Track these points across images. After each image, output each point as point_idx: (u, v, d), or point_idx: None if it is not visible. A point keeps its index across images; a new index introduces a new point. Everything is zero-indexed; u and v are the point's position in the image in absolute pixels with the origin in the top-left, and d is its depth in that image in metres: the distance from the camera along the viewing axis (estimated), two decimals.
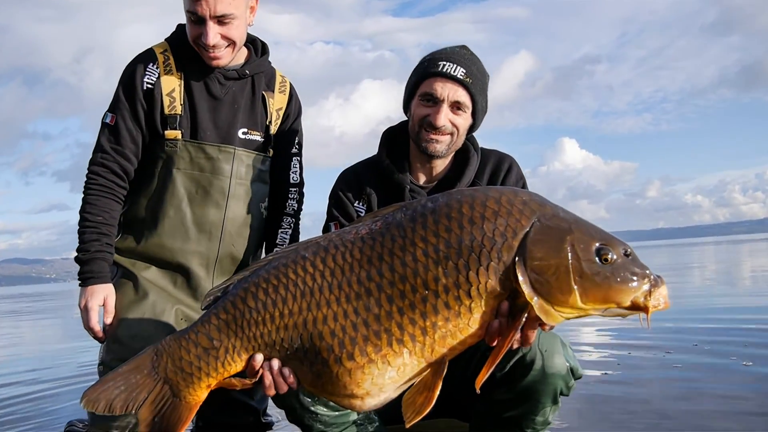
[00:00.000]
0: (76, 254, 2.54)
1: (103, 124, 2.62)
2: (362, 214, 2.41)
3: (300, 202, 2.91)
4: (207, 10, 2.44)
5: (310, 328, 1.62)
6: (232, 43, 2.56)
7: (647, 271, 1.56)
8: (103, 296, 2.50)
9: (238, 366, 1.70)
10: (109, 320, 2.51)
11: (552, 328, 1.70)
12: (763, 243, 45.66)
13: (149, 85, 2.59)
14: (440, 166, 2.43)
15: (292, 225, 2.89)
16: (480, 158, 2.45)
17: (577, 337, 5.64)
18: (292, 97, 2.88)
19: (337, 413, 2.14)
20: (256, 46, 2.81)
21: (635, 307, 1.53)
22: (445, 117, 2.28)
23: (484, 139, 2.51)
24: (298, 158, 2.89)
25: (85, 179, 2.60)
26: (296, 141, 2.88)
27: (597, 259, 1.54)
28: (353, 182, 2.46)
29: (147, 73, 2.60)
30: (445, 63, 2.27)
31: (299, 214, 2.92)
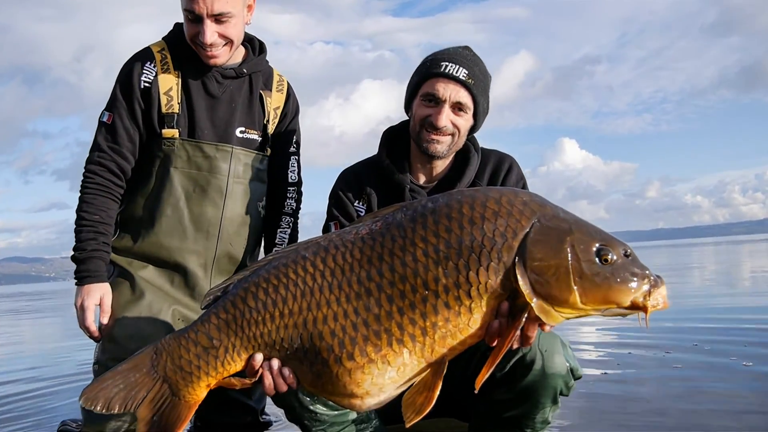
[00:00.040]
0: (72, 253, 2.53)
1: (100, 123, 2.62)
2: (362, 214, 2.41)
3: (298, 201, 2.91)
4: (204, 8, 2.43)
5: (310, 328, 1.62)
6: (229, 41, 2.55)
7: (647, 272, 1.56)
8: (100, 295, 2.49)
9: (238, 365, 1.70)
10: (105, 320, 2.50)
11: (552, 328, 1.70)
12: (763, 244, 45.67)
13: (146, 84, 2.58)
14: (440, 166, 2.43)
15: (290, 224, 2.88)
16: (480, 158, 2.45)
17: (577, 336, 5.64)
18: (290, 96, 2.88)
19: (336, 412, 2.14)
20: (253, 45, 2.80)
21: (634, 307, 1.54)
22: (446, 118, 2.28)
23: (483, 139, 2.49)
24: (296, 157, 2.89)
25: (82, 178, 2.59)
26: (294, 140, 2.88)
27: (597, 259, 1.55)
28: (353, 182, 2.46)
29: (144, 71, 2.59)
30: (447, 63, 2.27)
31: (298, 213, 2.92)
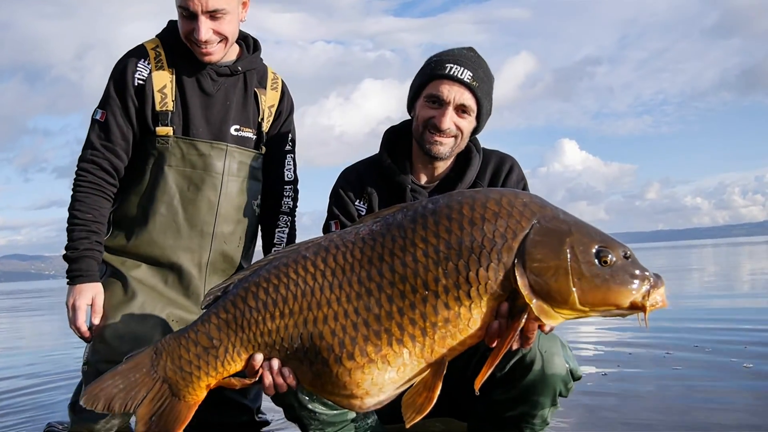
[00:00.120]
0: (64, 252, 2.50)
1: (93, 121, 2.59)
2: (363, 213, 2.41)
3: (295, 199, 2.90)
4: (199, 5, 2.42)
5: (311, 328, 1.62)
6: (224, 38, 2.54)
7: (646, 273, 1.56)
8: (92, 295, 2.47)
9: (238, 365, 1.70)
10: (96, 320, 2.48)
11: (552, 329, 1.70)
12: (763, 246, 45.68)
13: (140, 82, 2.56)
14: (442, 166, 2.43)
15: (288, 223, 2.88)
16: (481, 159, 2.45)
17: (577, 336, 5.64)
18: (284, 94, 2.86)
19: (334, 412, 2.14)
20: (248, 43, 2.78)
21: (633, 308, 1.54)
22: (450, 120, 2.28)
23: (484, 139, 2.48)
24: (292, 155, 2.88)
25: (75, 176, 2.56)
26: (289, 138, 2.86)
27: (596, 261, 1.55)
28: (354, 181, 2.46)
29: (138, 69, 2.57)
30: (452, 65, 2.26)
31: (295, 211, 2.91)
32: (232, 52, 2.70)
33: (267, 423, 2.88)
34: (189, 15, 2.46)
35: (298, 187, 2.92)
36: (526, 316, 1.56)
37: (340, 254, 1.64)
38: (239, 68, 2.69)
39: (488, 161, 2.46)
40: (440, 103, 2.28)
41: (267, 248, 2.88)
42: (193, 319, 2.54)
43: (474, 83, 2.27)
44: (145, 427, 1.70)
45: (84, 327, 2.46)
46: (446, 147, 2.32)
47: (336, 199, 2.46)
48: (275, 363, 1.68)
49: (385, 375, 1.59)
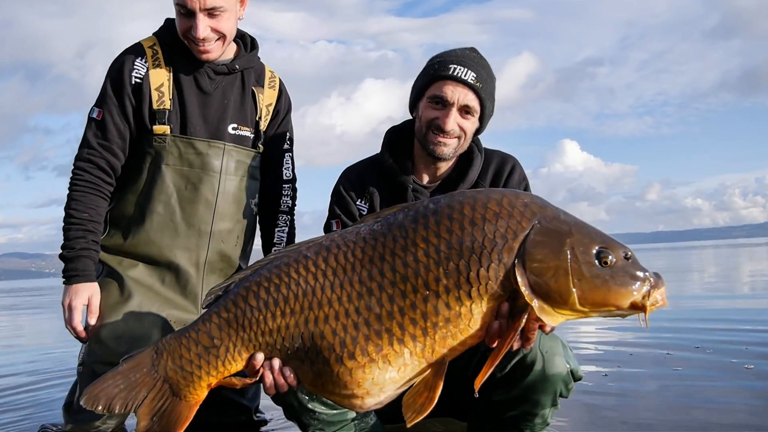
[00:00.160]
0: (61, 251, 2.48)
1: (90, 119, 2.57)
2: (364, 213, 2.41)
3: (294, 198, 2.89)
4: (197, 2, 2.41)
5: (312, 327, 1.62)
6: (222, 36, 2.52)
7: (646, 273, 1.56)
8: (88, 295, 2.45)
9: (239, 365, 1.70)
10: (93, 320, 2.46)
11: (553, 329, 1.70)
12: (763, 247, 45.67)
13: (137, 80, 2.55)
14: (444, 166, 2.43)
15: (288, 222, 2.87)
16: (483, 159, 2.45)
17: (577, 336, 5.64)
18: (282, 92, 2.85)
19: (334, 411, 2.14)
20: (245, 42, 2.77)
21: (634, 308, 1.54)
22: (454, 121, 2.28)
23: (485, 139, 2.52)
24: (290, 154, 2.87)
25: (71, 175, 2.54)
26: (287, 137, 2.86)
27: (596, 261, 1.55)
28: (356, 180, 2.46)
29: (135, 67, 2.55)
30: (456, 66, 2.26)
31: (294, 210, 2.90)
32: (230, 51, 2.69)
33: (265, 422, 2.88)
34: (187, 12, 2.45)
35: (297, 185, 2.91)
36: (526, 317, 1.56)
37: (342, 254, 1.65)
38: (237, 67, 2.67)
39: (490, 161, 2.46)
40: (444, 104, 2.28)
41: (267, 248, 2.87)
42: (191, 318, 2.54)
43: (477, 84, 2.27)
44: (146, 428, 1.70)
45: (80, 327, 2.44)
46: (449, 148, 2.32)
47: (337, 199, 2.45)
48: (276, 362, 1.68)
49: (386, 375, 1.59)
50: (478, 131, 2.40)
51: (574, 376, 2.15)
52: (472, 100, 2.28)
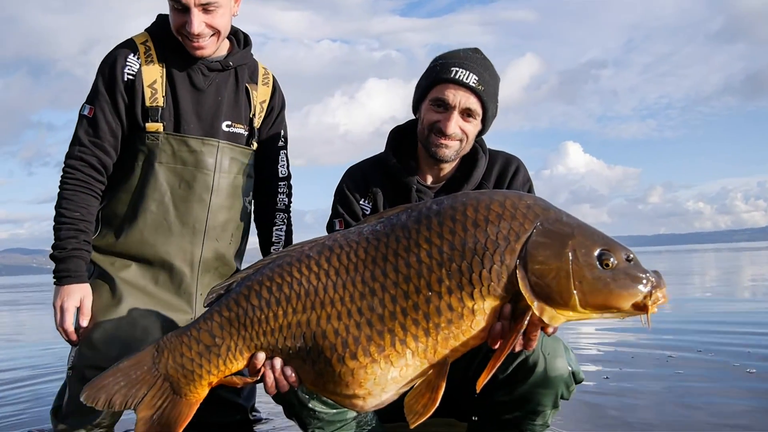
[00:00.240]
0: (51, 251, 2.43)
1: (81, 116, 2.52)
2: (367, 212, 2.40)
3: (290, 196, 2.87)
4: None
5: (314, 327, 1.62)
6: (216, 32, 2.49)
7: (647, 274, 1.56)
8: (80, 297, 2.40)
9: (240, 364, 1.70)
10: (84, 323, 2.41)
11: (555, 331, 1.70)
12: (765, 251, 45.63)
13: (130, 77, 2.50)
14: (448, 167, 2.42)
15: (285, 220, 2.85)
16: (488, 160, 2.44)
17: (579, 338, 5.64)
18: (276, 89, 2.82)
19: (334, 411, 2.14)
20: (238, 38, 2.73)
21: (636, 308, 1.54)
22: (455, 124, 2.27)
23: (487, 140, 2.50)
24: (285, 152, 2.85)
25: (62, 173, 2.49)
26: (282, 134, 2.83)
27: (598, 264, 1.55)
28: (359, 180, 2.45)
29: (128, 63, 2.51)
30: (458, 69, 2.25)
31: (290, 208, 2.88)
32: (223, 47, 2.65)
33: (261, 421, 2.88)
34: (182, 8, 2.41)
35: (291, 182, 2.89)
36: (528, 318, 1.56)
37: (344, 254, 1.64)
38: (230, 63, 2.64)
39: (494, 162, 2.45)
40: (445, 107, 2.27)
41: (265, 247, 2.86)
42: (185, 319, 2.52)
43: (479, 87, 2.25)
44: (145, 426, 1.70)
45: (71, 329, 2.40)
46: (451, 150, 2.31)
47: (341, 198, 2.45)
48: (277, 362, 1.68)
49: (388, 375, 1.59)
50: (481, 133, 2.39)
51: (576, 379, 2.15)
52: (473, 104, 2.27)
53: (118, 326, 2.44)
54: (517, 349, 1.64)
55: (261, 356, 1.68)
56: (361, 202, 2.42)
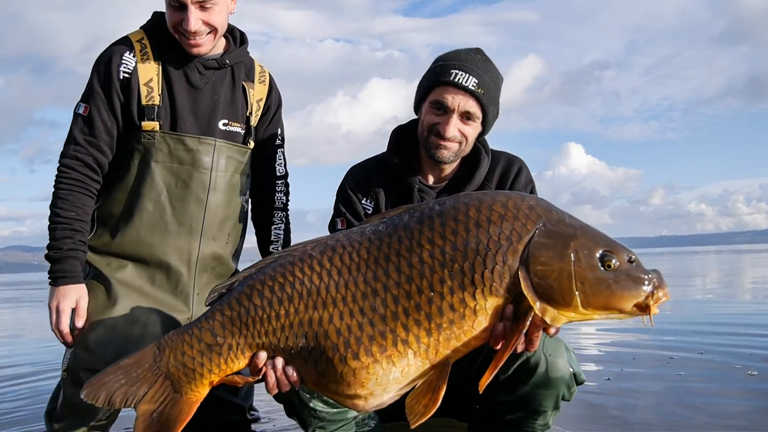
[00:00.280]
0: (46, 252, 2.40)
1: (76, 115, 2.49)
2: (369, 212, 2.40)
3: (287, 194, 2.86)
4: None
5: (316, 327, 1.62)
6: (213, 29, 2.47)
7: (649, 275, 1.56)
8: (76, 297, 2.37)
9: (241, 363, 1.70)
10: (80, 323, 2.38)
11: (557, 332, 1.70)
12: (767, 253, 45.58)
13: (126, 75, 2.48)
14: (449, 167, 2.41)
15: (283, 219, 2.84)
16: (490, 160, 2.44)
17: (580, 338, 5.64)
18: (272, 88, 2.80)
19: (335, 410, 2.14)
20: (234, 36, 2.72)
21: (638, 309, 1.54)
22: (454, 127, 2.26)
23: (488, 141, 2.50)
24: (282, 150, 2.83)
25: (57, 172, 2.46)
26: (279, 133, 2.82)
27: (600, 265, 1.55)
28: (362, 179, 2.45)
29: (123, 61, 2.49)
30: (457, 72, 2.23)
31: (288, 206, 2.87)
32: (219, 46, 2.63)
33: (258, 420, 2.87)
34: (179, 5, 2.40)
35: (289, 181, 2.88)
36: (530, 319, 1.56)
37: (347, 254, 1.64)
38: (227, 61, 2.62)
39: (497, 163, 2.45)
40: (444, 110, 2.26)
41: (264, 246, 2.84)
42: (183, 319, 2.51)
43: (479, 90, 2.24)
44: (145, 424, 1.69)
45: (67, 330, 2.37)
46: (450, 152, 2.31)
47: (343, 197, 2.45)
48: (279, 361, 1.67)
49: (390, 375, 1.59)
50: (481, 134, 2.39)
51: (577, 380, 2.15)
52: (473, 107, 2.25)
53: (114, 328, 2.41)
54: (519, 349, 1.64)
55: (262, 356, 1.67)
56: (363, 202, 2.42)
